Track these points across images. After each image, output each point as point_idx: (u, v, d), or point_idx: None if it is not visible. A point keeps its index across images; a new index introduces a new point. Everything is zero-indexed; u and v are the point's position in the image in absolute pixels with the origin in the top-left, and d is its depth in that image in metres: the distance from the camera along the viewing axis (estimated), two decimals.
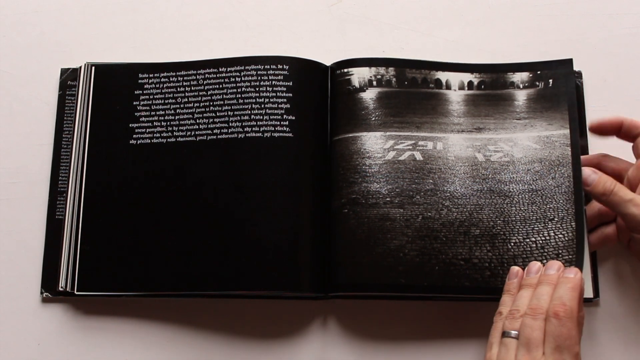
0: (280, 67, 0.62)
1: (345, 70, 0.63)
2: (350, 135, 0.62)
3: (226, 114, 0.62)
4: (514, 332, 0.50)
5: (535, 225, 0.59)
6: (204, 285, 0.59)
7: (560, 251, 0.58)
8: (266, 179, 0.60)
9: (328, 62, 0.64)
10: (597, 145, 0.62)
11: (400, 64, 0.64)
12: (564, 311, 0.48)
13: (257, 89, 0.62)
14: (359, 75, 0.63)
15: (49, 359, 0.61)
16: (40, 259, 0.62)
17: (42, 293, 0.62)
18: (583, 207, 0.59)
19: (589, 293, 0.57)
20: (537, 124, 0.62)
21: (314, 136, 0.62)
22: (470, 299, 0.59)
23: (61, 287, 0.60)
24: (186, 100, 0.63)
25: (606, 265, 0.61)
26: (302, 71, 0.62)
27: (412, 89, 0.63)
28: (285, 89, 0.62)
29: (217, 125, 0.62)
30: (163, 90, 0.64)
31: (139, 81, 0.64)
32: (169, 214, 0.61)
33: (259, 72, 0.62)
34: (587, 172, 0.58)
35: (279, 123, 0.61)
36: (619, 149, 0.61)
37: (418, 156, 0.61)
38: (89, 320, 0.61)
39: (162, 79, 0.64)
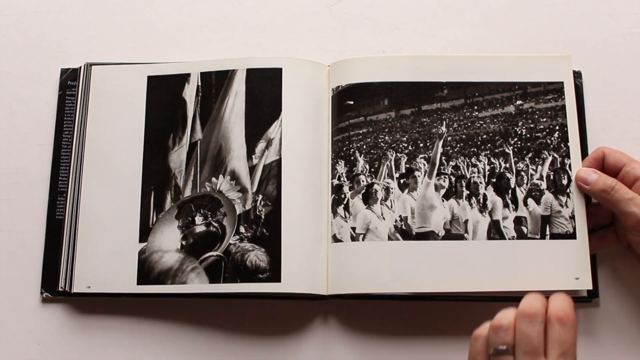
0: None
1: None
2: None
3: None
4: (504, 347, 0.46)
5: None
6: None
7: None
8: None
9: (328, 62, 0.64)
10: (597, 143, 0.62)
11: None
12: (567, 316, 0.45)
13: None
14: None
15: (49, 359, 0.61)
16: (40, 259, 0.62)
17: (42, 293, 0.62)
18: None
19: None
20: None
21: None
22: (466, 299, 0.59)
23: (61, 287, 0.60)
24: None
25: (606, 266, 0.61)
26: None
27: None
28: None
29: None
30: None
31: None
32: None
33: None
34: (587, 171, 0.58)
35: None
36: (619, 148, 0.61)
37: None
38: (88, 320, 0.61)
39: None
